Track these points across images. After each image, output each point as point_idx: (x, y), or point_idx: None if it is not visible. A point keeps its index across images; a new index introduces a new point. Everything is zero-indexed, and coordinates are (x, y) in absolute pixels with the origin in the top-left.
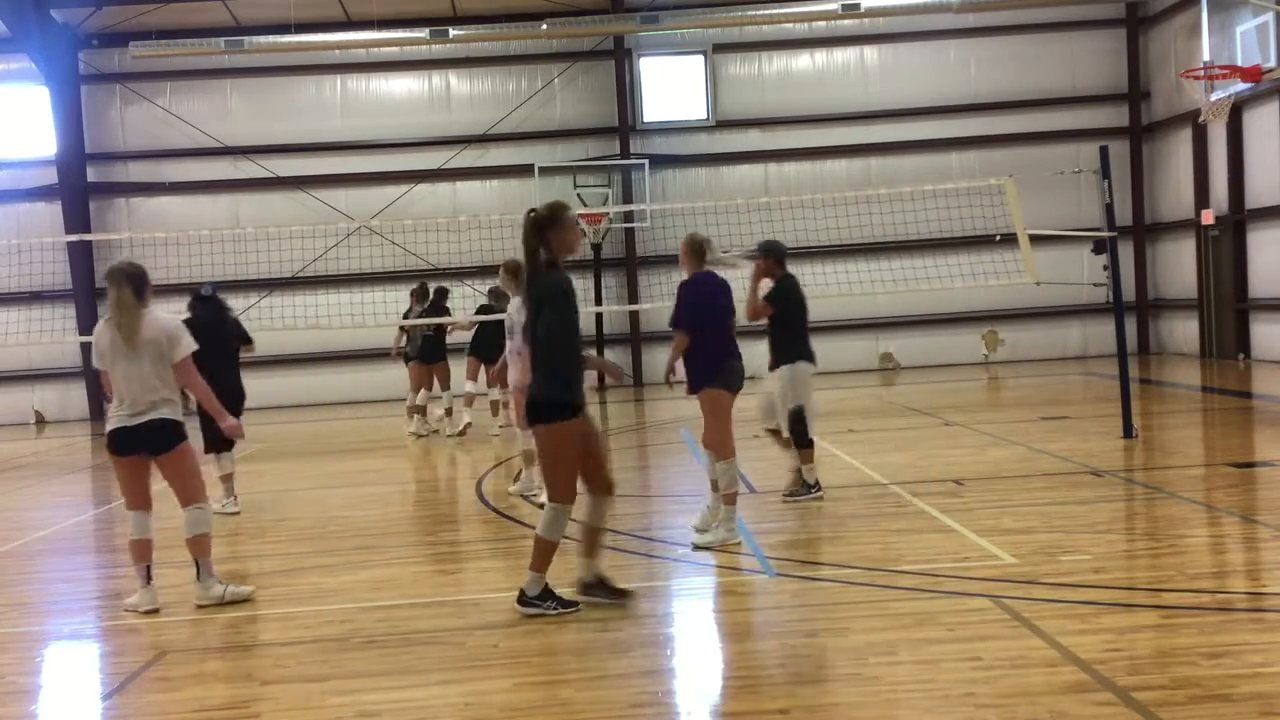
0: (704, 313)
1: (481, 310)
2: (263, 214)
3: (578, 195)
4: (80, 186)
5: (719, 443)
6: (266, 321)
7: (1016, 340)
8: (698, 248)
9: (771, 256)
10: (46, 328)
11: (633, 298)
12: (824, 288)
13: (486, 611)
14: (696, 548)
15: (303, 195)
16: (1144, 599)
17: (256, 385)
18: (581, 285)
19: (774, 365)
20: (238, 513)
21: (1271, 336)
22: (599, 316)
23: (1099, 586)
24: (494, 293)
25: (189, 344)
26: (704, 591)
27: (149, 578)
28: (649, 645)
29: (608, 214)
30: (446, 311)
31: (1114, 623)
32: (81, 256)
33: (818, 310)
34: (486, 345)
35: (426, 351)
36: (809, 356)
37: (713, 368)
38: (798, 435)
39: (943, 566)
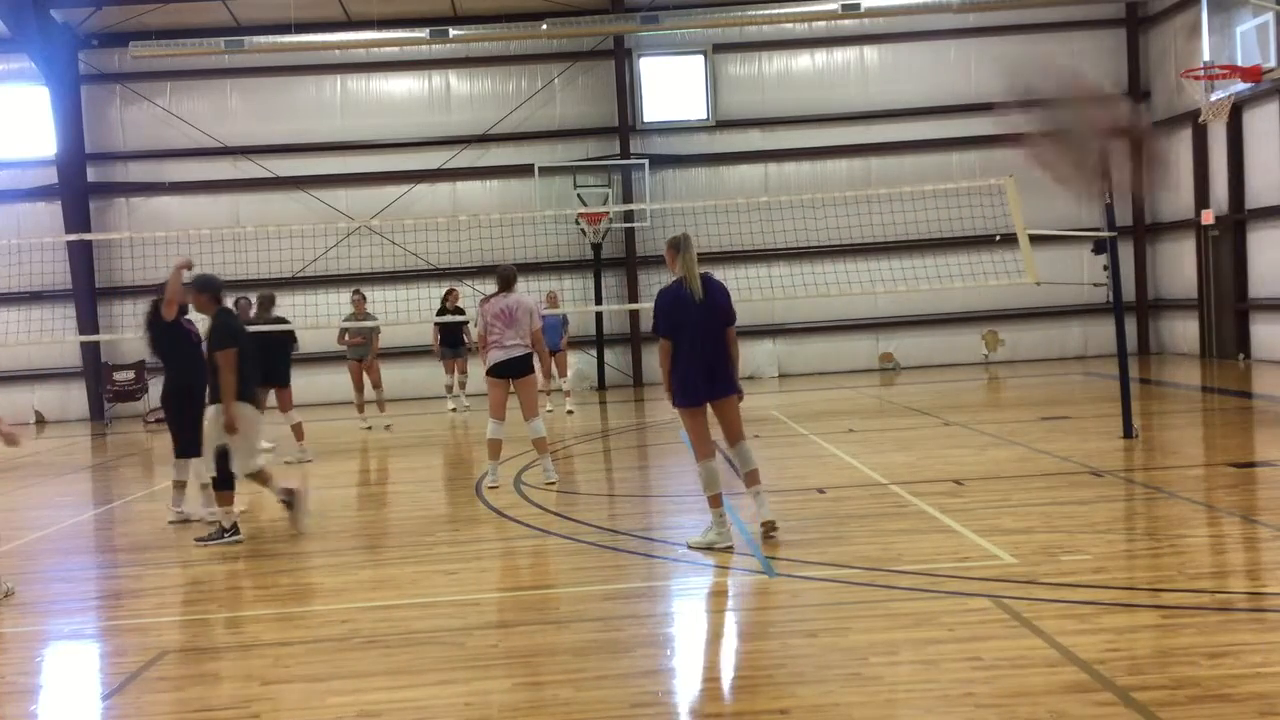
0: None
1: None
2: (263, 214)
3: (578, 195)
4: (80, 186)
5: (692, 445)
6: None
7: (1016, 340)
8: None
9: (206, 292)
10: (46, 328)
11: (632, 297)
12: (824, 288)
13: (486, 611)
14: (690, 548)
15: (303, 195)
16: (1144, 599)
17: None
18: (582, 285)
19: (210, 401)
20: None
21: (1271, 336)
22: (599, 316)
23: (1099, 586)
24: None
25: None
26: (704, 591)
27: None
28: (649, 645)
29: (608, 214)
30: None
31: (1114, 623)
32: (81, 256)
33: (818, 310)
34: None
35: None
36: (248, 396)
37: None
38: (219, 476)
39: (943, 566)
